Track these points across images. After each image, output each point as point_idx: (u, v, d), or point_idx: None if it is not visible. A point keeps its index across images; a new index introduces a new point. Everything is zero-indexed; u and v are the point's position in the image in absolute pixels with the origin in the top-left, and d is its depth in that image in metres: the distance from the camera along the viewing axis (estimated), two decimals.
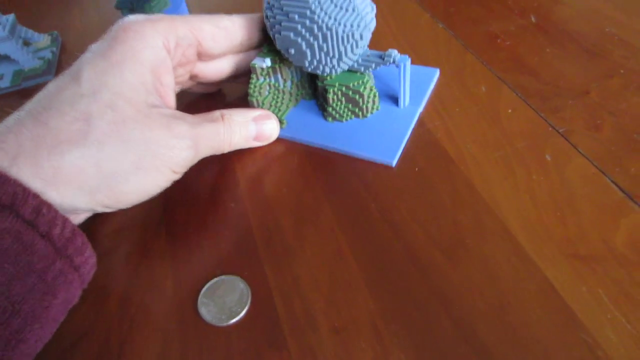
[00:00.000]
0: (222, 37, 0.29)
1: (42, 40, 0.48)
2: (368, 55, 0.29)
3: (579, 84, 0.32)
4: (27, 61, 0.44)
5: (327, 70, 0.29)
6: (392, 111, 0.32)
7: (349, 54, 0.28)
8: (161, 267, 0.26)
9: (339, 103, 0.31)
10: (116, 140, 0.23)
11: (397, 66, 0.29)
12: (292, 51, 0.28)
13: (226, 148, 0.28)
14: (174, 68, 0.27)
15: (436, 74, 0.34)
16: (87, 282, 0.23)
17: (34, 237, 0.19)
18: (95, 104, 0.23)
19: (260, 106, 0.31)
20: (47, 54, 0.46)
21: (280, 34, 0.28)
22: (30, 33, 0.47)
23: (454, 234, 0.25)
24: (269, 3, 0.28)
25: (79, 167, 0.22)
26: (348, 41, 0.27)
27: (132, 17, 0.26)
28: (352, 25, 0.27)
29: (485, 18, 0.39)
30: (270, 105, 0.32)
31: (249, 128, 0.29)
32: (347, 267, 0.24)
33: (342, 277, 0.24)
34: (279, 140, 0.32)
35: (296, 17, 0.27)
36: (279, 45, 0.29)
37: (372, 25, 0.28)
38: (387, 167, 0.29)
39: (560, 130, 0.29)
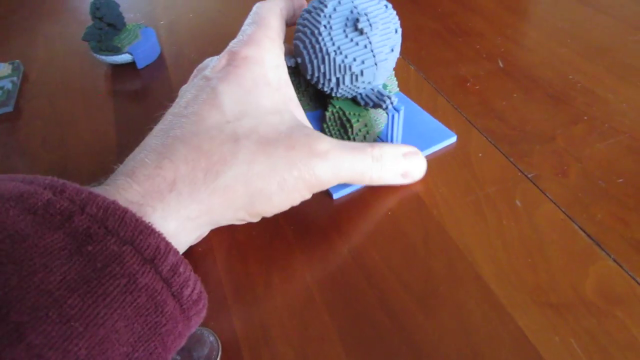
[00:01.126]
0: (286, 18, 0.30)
1: (2, 69, 0.46)
2: (373, 92, 0.29)
3: (545, 129, 0.33)
4: None
5: (326, 89, 0.30)
6: None
7: (347, 84, 0.29)
8: None
9: (333, 124, 0.31)
10: (263, 159, 0.23)
11: (387, 114, 0.29)
12: (299, 60, 0.30)
13: (368, 180, 0.27)
14: None
15: (451, 139, 0.32)
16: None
17: (166, 296, 0.18)
18: (241, 128, 0.24)
19: None
20: (7, 84, 0.44)
21: (295, 40, 0.29)
22: None
23: (427, 280, 0.24)
24: (306, 9, 0.29)
25: (230, 187, 0.22)
26: (345, 72, 0.28)
27: (241, 45, 0.26)
28: (354, 59, 0.27)
29: (455, 61, 0.40)
30: None
31: (400, 163, 0.28)
32: (319, 316, 0.23)
33: (314, 327, 0.23)
34: None
35: (308, 32, 0.28)
36: (294, 49, 0.30)
37: (385, 65, 0.28)
38: (360, 210, 0.28)
39: (529, 176, 0.29)
